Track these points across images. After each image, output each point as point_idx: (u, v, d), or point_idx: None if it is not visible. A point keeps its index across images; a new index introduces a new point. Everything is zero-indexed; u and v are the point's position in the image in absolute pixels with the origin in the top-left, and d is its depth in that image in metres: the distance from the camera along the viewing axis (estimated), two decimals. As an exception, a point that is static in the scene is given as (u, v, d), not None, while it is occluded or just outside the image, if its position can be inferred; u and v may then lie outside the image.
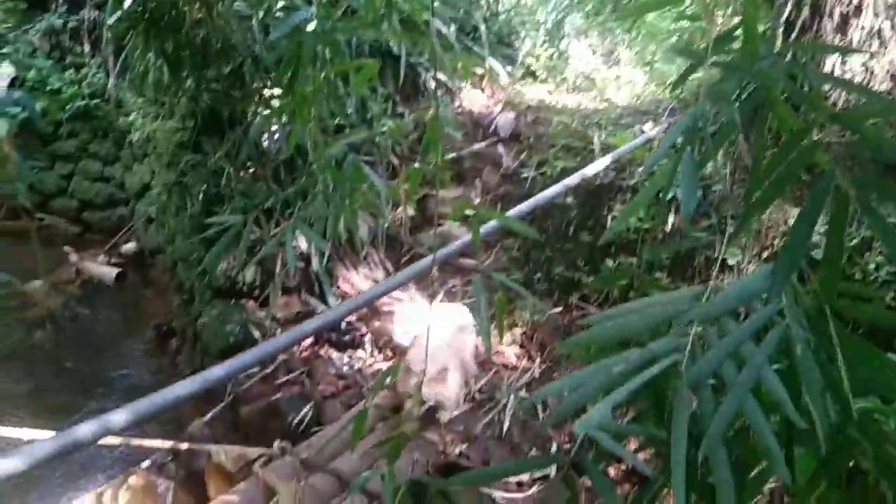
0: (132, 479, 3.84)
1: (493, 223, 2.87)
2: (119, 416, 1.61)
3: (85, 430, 1.54)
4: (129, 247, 7.24)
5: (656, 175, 1.58)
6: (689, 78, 1.72)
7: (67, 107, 7.58)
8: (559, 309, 4.39)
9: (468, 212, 1.95)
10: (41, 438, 1.52)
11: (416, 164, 2.06)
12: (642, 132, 4.30)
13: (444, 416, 3.73)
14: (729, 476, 1.28)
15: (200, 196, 5.21)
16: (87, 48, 7.71)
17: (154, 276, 6.59)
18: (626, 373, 1.27)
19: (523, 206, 2.92)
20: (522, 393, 4.07)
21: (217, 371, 1.93)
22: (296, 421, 3.81)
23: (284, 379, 4.28)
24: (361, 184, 2.81)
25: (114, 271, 6.49)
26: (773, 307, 1.32)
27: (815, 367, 1.28)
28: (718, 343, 1.30)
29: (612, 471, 3.64)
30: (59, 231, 7.67)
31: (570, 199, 4.44)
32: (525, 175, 4.98)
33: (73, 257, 6.75)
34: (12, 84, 7.35)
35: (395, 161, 5.38)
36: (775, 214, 3.35)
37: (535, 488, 3.52)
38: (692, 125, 1.42)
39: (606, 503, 1.74)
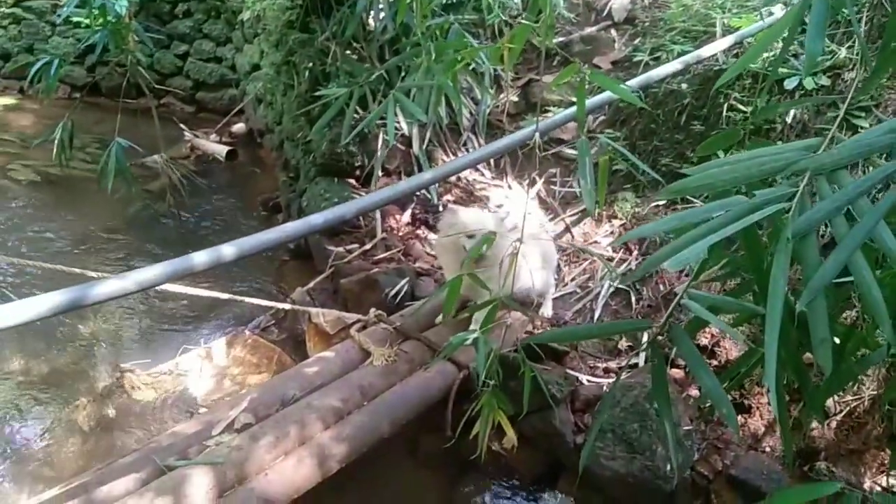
0: (240, 338, 4.15)
1: (599, 97, 2.76)
2: (230, 249, 1.71)
3: (199, 258, 1.64)
4: (240, 127, 7.50)
5: (779, 23, 1.42)
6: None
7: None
8: (663, 202, 4.24)
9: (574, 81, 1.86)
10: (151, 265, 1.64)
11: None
12: (770, 14, 3.93)
13: (535, 299, 3.73)
14: (828, 333, 1.21)
15: (307, 75, 5.27)
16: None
17: (262, 155, 6.82)
18: (728, 219, 1.20)
19: (633, 82, 2.78)
20: (617, 283, 4.01)
21: (317, 218, 2.01)
22: (391, 294, 3.93)
23: (382, 256, 4.41)
24: (465, 53, 2.72)
25: (225, 149, 6.77)
26: (896, 164, 1.20)
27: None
28: (831, 195, 1.20)
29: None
30: (175, 110, 8.02)
31: (684, 86, 4.18)
32: (638, 60, 4.71)
33: (188, 135, 7.07)
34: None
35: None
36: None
37: (623, 376, 3.51)
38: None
39: (694, 373, 1.72)
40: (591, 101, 2.72)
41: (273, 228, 1.93)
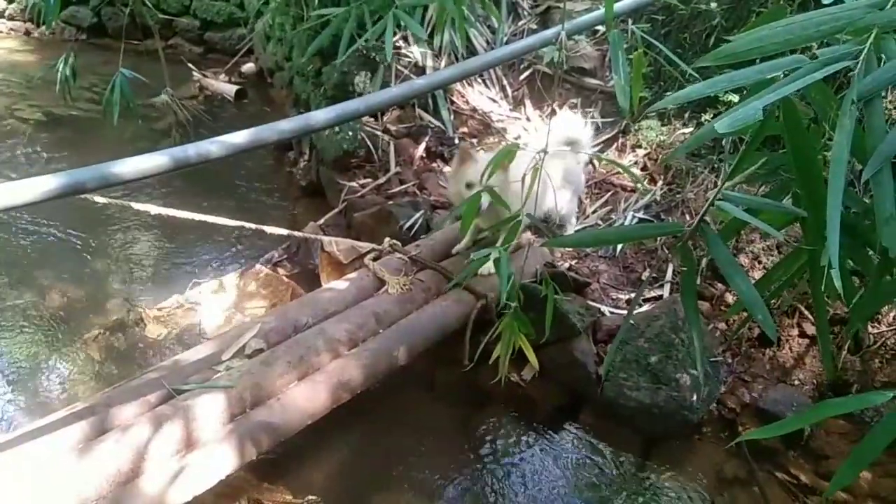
0: (252, 272, 4.05)
1: (627, 2, 2.57)
2: (241, 138, 1.63)
3: (190, 150, 1.54)
4: (249, 67, 7.30)
5: None
6: None
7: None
8: (689, 129, 4.05)
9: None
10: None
11: None
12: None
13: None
14: (895, 210, 1.07)
15: (316, 4, 5.05)
16: None
17: (273, 94, 6.64)
18: (782, 78, 1.05)
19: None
20: (640, 214, 3.86)
21: (319, 115, 1.89)
22: (406, 226, 3.81)
23: (396, 189, 4.27)
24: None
25: (234, 88, 6.59)
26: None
27: None
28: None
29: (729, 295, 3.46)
30: (183, 51, 7.82)
31: (713, 5, 3.95)
32: (663, -18, 4.46)
33: (196, 75, 6.89)
34: None
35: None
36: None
37: (645, 307, 3.39)
38: None
39: (728, 278, 1.58)
40: (618, 5, 2.54)
41: (273, 123, 1.79)
